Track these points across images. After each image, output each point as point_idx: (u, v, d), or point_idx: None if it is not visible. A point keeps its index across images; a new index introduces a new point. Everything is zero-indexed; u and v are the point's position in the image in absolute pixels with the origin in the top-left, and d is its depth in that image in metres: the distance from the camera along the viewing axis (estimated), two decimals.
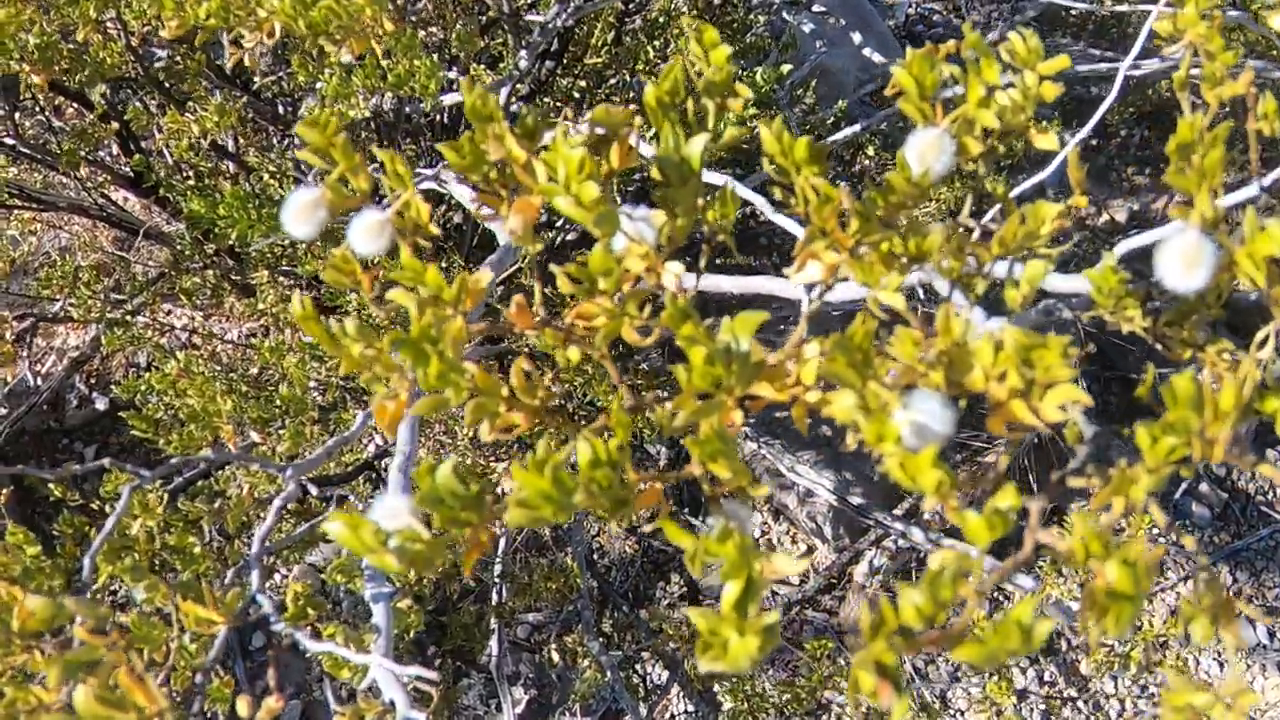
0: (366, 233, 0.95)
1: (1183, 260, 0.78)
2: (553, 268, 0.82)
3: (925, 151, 0.92)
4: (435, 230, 0.96)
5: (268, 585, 3.27)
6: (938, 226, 0.86)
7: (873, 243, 0.84)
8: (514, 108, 2.71)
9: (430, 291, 0.87)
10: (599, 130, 0.89)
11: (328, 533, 0.70)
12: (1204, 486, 3.91)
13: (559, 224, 3.37)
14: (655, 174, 0.88)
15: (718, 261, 3.93)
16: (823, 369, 0.72)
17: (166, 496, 2.11)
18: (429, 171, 2.48)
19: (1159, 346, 1.07)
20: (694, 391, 0.73)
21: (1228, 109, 1.16)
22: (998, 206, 1.34)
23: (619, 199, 3.07)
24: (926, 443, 0.68)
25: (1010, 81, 1.03)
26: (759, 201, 2.07)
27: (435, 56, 2.33)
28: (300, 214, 0.97)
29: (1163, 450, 0.68)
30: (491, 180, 0.93)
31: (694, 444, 0.72)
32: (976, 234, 1.07)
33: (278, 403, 2.57)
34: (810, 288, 1.11)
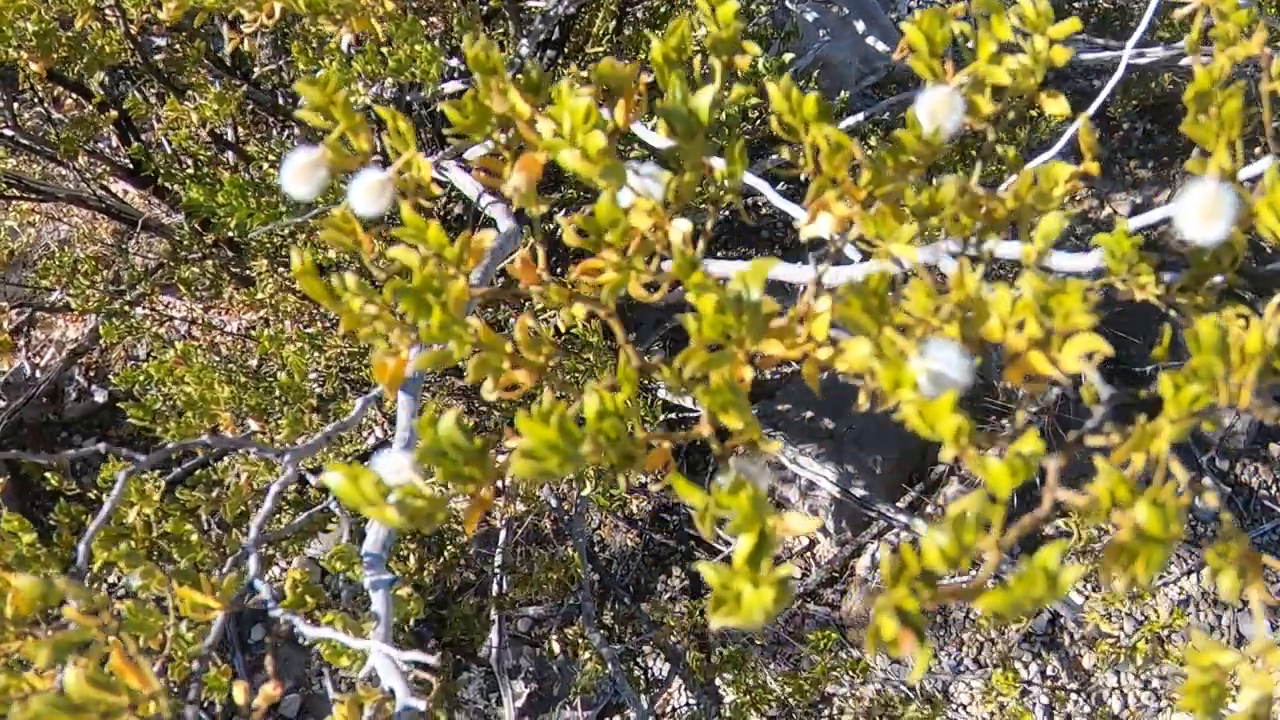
0: (367, 193, 0.93)
1: (1201, 211, 0.76)
2: (559, 219, 0.81)
3: (936, 109, 0.90)
4: (437, 190, 0.94)
5: (267, 578, 3.25)
6: (951, 179, 0.85)
7: (885, 194, 0.82)
8: None
9: (432, 249, 0.86)
10: (604, 86, 0.87)
11: (325, 484, 0.68)
12: (1207, 480, 3.90)
13: (563, 212, 3.36)
14: (663, 131, 0.87)
15: (719, 255, 3.92)
16: (837, 313, 0.70)
17: (164, 486, 2.10)
18: (430, 159, 2.47)
19: (1172, 313, 1.06)
20: (704, 342, 0.71)
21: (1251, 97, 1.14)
22: (1012, 178, 1.32)
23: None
24: (943, 391, 0.66)
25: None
26: (763, 187, 2.05)
27: (437, 44, 2.32)
28: (300, 174, 0.95)
29: (1186, 398, 0.66)
30: (495, 142, 0.92)
31: (704, 394, 0.70)
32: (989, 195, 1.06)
33: (276, 391, 2.56)
34: (819, 256, 1.10)
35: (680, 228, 0.85)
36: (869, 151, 0.91)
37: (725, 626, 0.65)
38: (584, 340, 2.65)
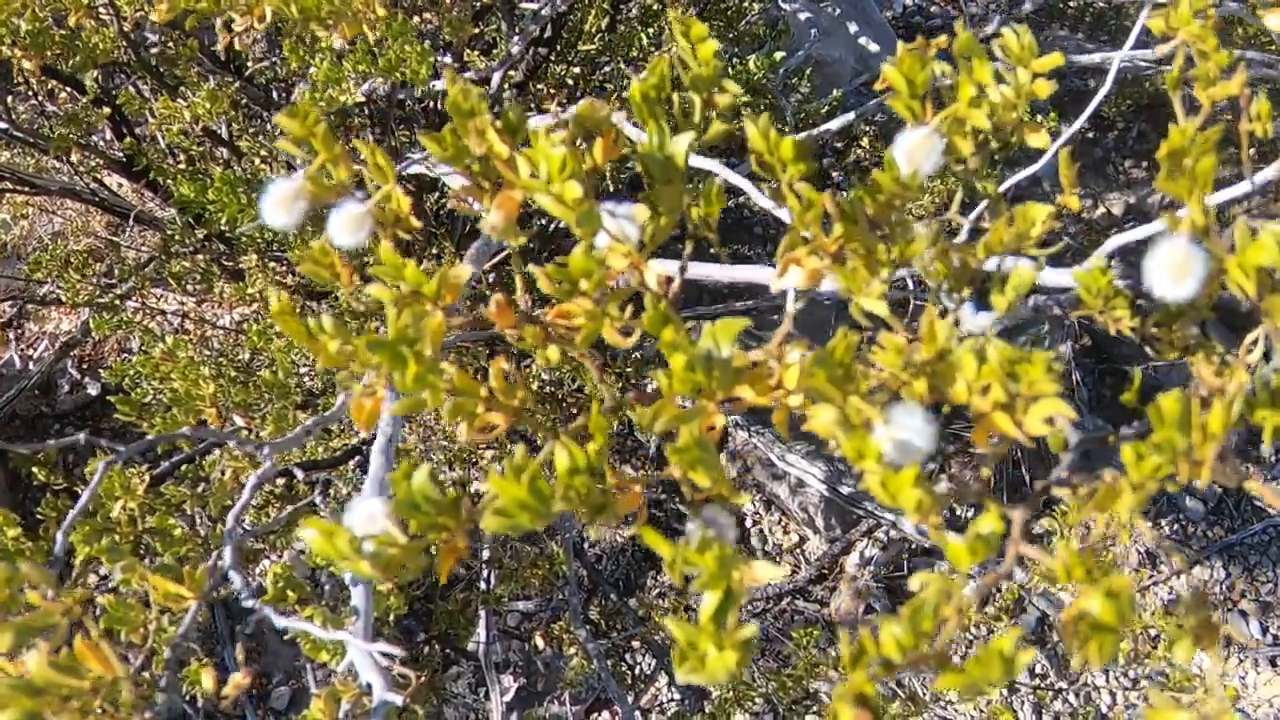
0: (346, 225, 0.94)
1: (1172, 270, 0.77)
2: (532, 269, 0.81)
3: (914, 151, 0.91)
4: (416, 223, 0.95)
5: (257, 572, 3.26)
6: (922, 229, 0.85)
7: (856, 248, 0.82)
8: (506, 94, 2.69)
9: (409, 287, 0.86)
10: (583, 127, 0.88)
11: (301, 538, 0.69)
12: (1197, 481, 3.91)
13: (544, 223, 3.36)
14: (640, 169, 0.87)
15: (711, 250, 3.91)
16: (803, 383, 0.71)
17: (150, 481, 2.10)
18: (419, 155, 2.47)
19: (1147, 348, 1.06)
20: (674, 396, 0.72)
21: (1223, 107, 1.14)
22: (986, 201, 1.32)
23: (611, 189, 3.05)
24: (909, 459, 0.67)
25: (1004, 79, 1.02)
26: (750, 189, 2.05)
27: (428, 43, 2.31)
28: (280, 204, 0.96)
29: (1148, 468, 0.67)
30: (475, 172, 0.92)
31: (673, 452, 0.71)
32: (965, 232, 1.06)
33: (261, 387, 2.56)
34: (797, 294, 1.10)
35: (656, 269, 0.86)
36: (846, 182, 0.91)
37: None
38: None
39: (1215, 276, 0.80)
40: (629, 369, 3.15)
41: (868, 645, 0.60)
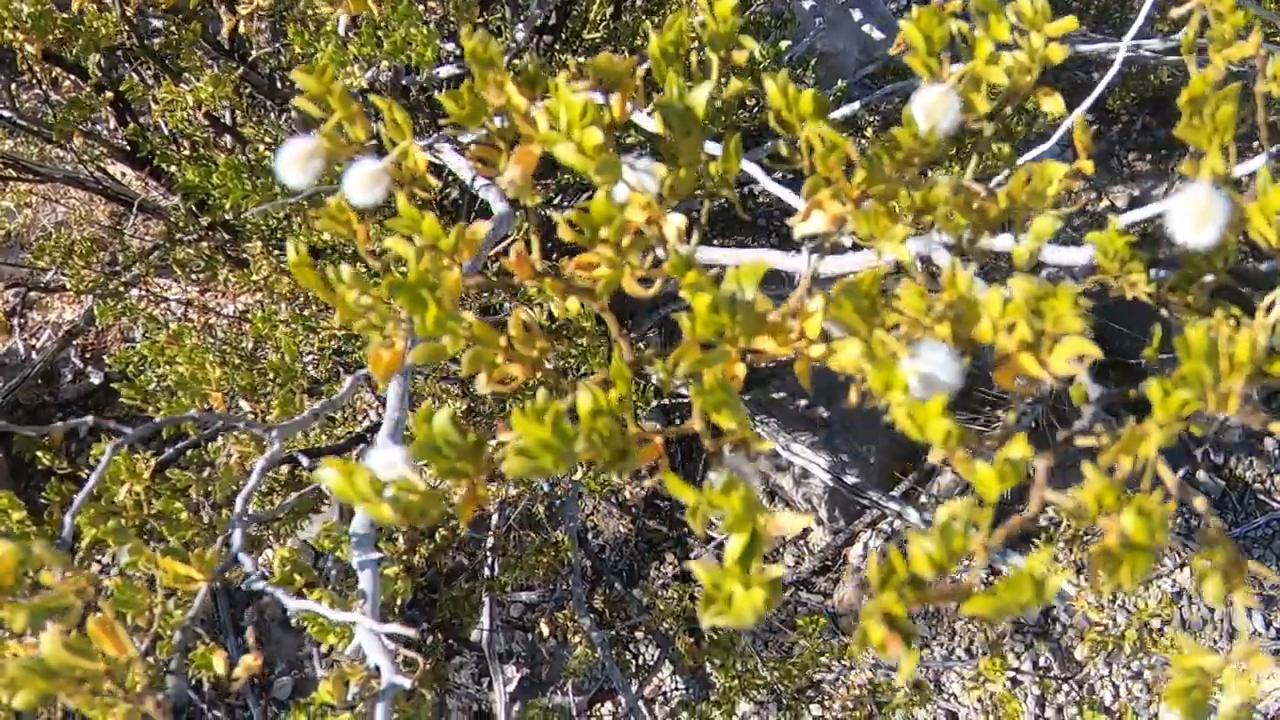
0: (362, 182, 0.93)
1: (1194, 215, 0.77)
2: (554, 215, 0.81)
3: (932, 108, 0.90)
4: (434, 181, 0.94)
5: (261, 561, 3.25)
6: (944, 179, 0.85)
7: (878, 194, 0.82)
8: None
9: (427, 241, 0.86)
10: (601, 80, 0.87)
11: (320, 480, 0.69)
12: (1202, 474, 3.91)
13: (556, 200, 3.36)
14: (659, 126, 0.87)
15: (715, 242, 3.91)
16: (829, 315, 0.70)
17: (155, 467, 2.10)
18: (423, 142, 2.47)
19: (1163, 312, 1.06)
20: (697, 340, 0.72)
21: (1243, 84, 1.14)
22: (1005, 172, 1.31)
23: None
24: (934, 393, 0.66)
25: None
26: (758, 173, 2.05)
27: (433, 28, 2.31)
28: (295, 162, 0.95)
29: (1175, 404, 0.67)
30: (491, 132, 0.92)
31: (698, 394, 0.70)
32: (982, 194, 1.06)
33: (268, 372, 2.56)
34: (813, 249, 1.10)
35: (675, 222, 0.85)
36: (865, 146, 0.91)
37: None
38: (577, 326, 2.65)
39: (1236, 225, 0.80)
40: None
41: (897, 563, 0.59)
